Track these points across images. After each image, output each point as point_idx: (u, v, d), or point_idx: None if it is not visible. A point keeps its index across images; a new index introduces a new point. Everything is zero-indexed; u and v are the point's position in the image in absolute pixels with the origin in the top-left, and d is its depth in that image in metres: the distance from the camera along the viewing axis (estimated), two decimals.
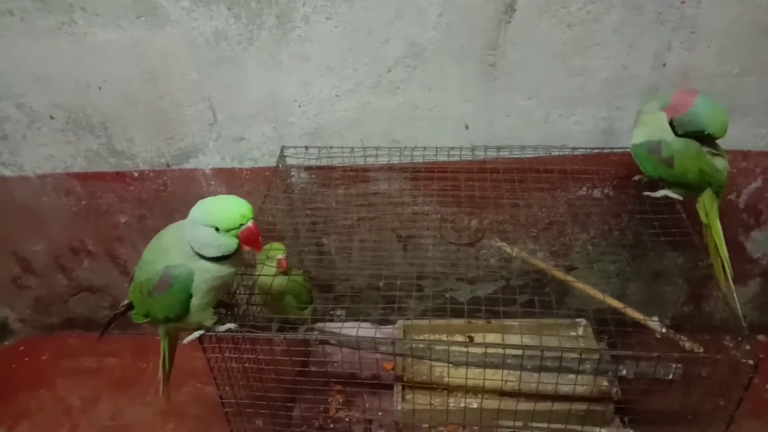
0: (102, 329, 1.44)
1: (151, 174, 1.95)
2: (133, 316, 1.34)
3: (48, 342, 2.37)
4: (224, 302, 1.38)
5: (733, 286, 1.46)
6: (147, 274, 1.23)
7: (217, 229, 1.12)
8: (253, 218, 1.14)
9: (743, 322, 1.31)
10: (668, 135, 1.45)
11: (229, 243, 1.14)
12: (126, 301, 1.36)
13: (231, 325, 1.29)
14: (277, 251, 1.57)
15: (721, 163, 1.47)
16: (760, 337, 2.14)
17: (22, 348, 2.37)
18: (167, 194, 1.98)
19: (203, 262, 1.17)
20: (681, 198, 1.56)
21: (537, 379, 1.50)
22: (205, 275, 1.18)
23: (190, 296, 1.20)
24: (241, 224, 1.12)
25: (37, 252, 2.18)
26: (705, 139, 1.44)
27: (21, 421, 2.03)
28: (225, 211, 1.12)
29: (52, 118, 1.85)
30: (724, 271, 1.49)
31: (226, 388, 1.45)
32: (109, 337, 2.27)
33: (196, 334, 1.29)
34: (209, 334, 1.29)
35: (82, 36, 1.68)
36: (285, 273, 1.56)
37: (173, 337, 1.41)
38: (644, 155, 1.49)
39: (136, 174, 1.95)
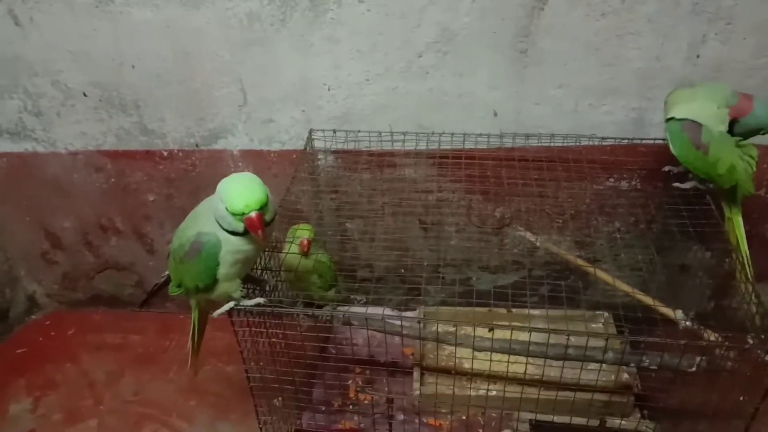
0: (137, 302, 1.46)
1: (180, 154, 1.98)
2: (170, 288, 1.36)
3: (73, 317, 2.42)
4: (253, 278, 1.40)
5: (751, 282, 1.46)
6: (180, 241, 1.27)
7: (227, 208, 1.15)
8: (259, 208, 1.14)
9: (756, 320, 1.31)
10: (715, 125, 1.46)
11: (236, 224, 1.17)
12: (167, 272, 1.38)
13: (260, 300, 1.31)
14: (304, 232, 1.58)
15: (750, 155, 1.51)
16: None
17: (48, 322, 2.42)
18: (195, 174, 2.01)
19: (227, 234, 1.20)
20: (707, 188, 1.58)
21: (559, 368, 1.50)
22: (229, 247, 1.21)
23: (218, 265, 1.22)
24: (244, 213, 1.14)
25: (66, 228, 2.22)
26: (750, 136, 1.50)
27: (47, 392, 2.07)
28: (232, 197, 1.14)
29: (85, 95, 1.88)
30: (744, 267, 1.49)
31: (252, 364, 1.47)
32: (133, 314, 2.35)
33: (227, 306, 1.31)
34: (239, 308, 1.31)
35: (119, 15, 1.71)
36: (306, 254, 1.58)
37: (204, 310, 1.44)
38: (677, 131, 1.49)
39: (165, 153, 1.98)
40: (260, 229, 1.14)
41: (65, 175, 2.07)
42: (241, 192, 1.14)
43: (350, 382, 1.90)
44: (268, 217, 1.18)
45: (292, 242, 1.56)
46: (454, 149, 1.81)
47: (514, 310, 1.98)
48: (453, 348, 1.75)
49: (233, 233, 1.19)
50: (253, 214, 1.13)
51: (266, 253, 1.47)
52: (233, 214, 1.14)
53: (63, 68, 1.83)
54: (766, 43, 1.59)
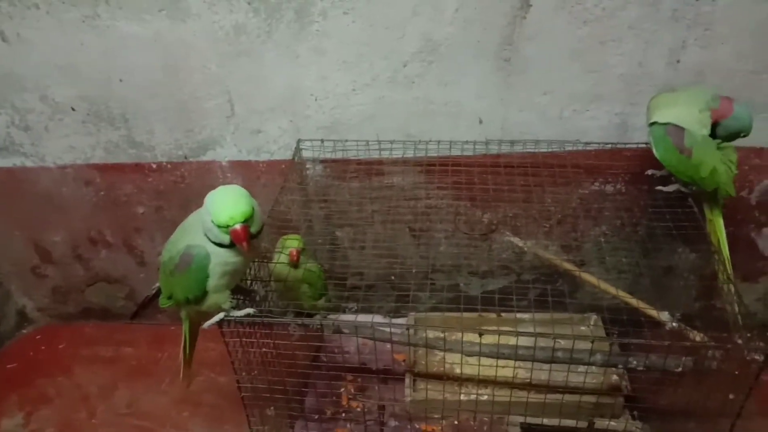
0: (128, 314, 1.47)
1: (169, 166, 1.99)
2: (160, 300, 1.37)
3: (65, 331, 2.41)
4: (242, 288, 1.41)
5: (732, 282, 1.49)
6: (170, 253, 1.28)
7: (213, 221, 1.17)
8: (244, 221, 1.15)
9: (738, 319, 1.33)
10: (698, 129, 1.48)
11: (222, 236, 1.18)
12: (157, 284, 1.39)
13: (250, 310, 1.32)
14: (293, 242, 1.60)
15: (731, 159, 1.53)
16: None
17: (39, 336, 2.41)
18: (184, 186, 2.02)
19: (215, 246, 1.21)
20: (690, 191, 1.60)
21: (548, 371, 1.51)
22: (218, 259, 1.23)
23: (208, 277, 1.23)
24: (229, 225, 1.15)
25: (56, 242, 2.22)
26: (732, 138, 1.51)
27: (39, 407, 2.06)
28: (218, 210, 1.15)
29: (73, 109, 1.89)
30: (725, 268, 1.51)
31: (243, 374, 1.47)
32: (125, 326, 2.35)
33: (217, 317, 1.32)
34: (229, 318, 1.32)
35: (105, 29, 1.72)
36: (295, 266, 1.59)
37: (195, 321, 1.44)
38: (661, 135, 1.51)
39: (154, 166, 1.99)
40: (244, 241, 1.15)
41: (54, 189, 2.07)
42: (226, 204, 1.15)
43: (342, 390, 1.91)
44: (253, 229, 1.19)
45: (281, 252, 1.57)
46: (441, 157, 1.83)
47: (503, 314, 2.00)
48: (444, 354, 1.77)
49: (221, 245, 1.20)
50: (238, 227, 1.14)
51: (256, 263, 1.48)
52: (219, 227, 1.16)
53: (51, 83, 1.83)
54: (744, 47, 1.62)
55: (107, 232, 2.17)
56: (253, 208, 1.17)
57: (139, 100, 1.85)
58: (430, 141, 1.82)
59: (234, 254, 1.22)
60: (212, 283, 1.24)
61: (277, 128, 1.87)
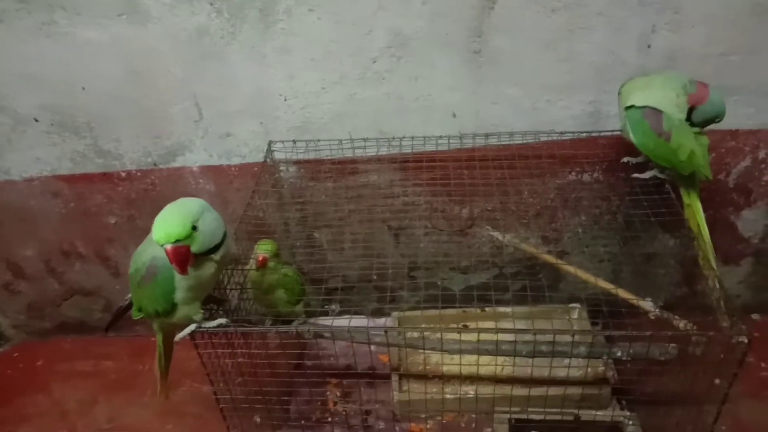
0: (105, 326, 1.44)
1: (139, 174, 1.94)
2: (132, 312, 1.33)
3: (42, 347, 2.35)
4: (214, 297, 1.37)
5: (715, 266, 1.48)
6: (136, 265, 1.25)
7: None
8: (174, 242, 1.09)
9: (721, 304, 1.32)
10: (675, 112, 1.46)
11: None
12: (130, 295, 1.35)
13: (222, 320, 1.29)
14: (265, 247, 1.55)
15: (702, 144, 1.52)
16: (755, 316, 2.15)
17: (16, 354, 2.35)
18: (156, 193, 1.97)
19: None
20: (666, 177, 1.59)
21: (531, 365, 1.50)
22: None
23: (174, 289, 1.20)
24: (162, 244, 1.10)
25: (28, 257, 2.16)
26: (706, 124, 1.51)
27: (19, 425, 2.01)
28: (154, 228, 1.11)
29: (36, 120, 1.83)
30: (707, 252, 1.51)
31: (221, 385, 1.44)
32: (103, 340, 2.30)
33: (188, 330, 1.29)
34: (201, 330, 1.29)
35: (64, 36, 1.66)
36: (259, 269, 1.53)
37: (168, 333, 1.41)
38: (638, 119, 1.49)
39: (123, 174, 1.94)
40: (174, 262, 1.10)
41: (23, 203, 2.02)
42: (159, 223, 1.11)
43: (328, 393, 1.89)
44: (195, 248, 1.13)
45: (253, 258, 1.53)
46: (415, 153, 1.81)
47: (487, 308, 1.98)
48: (429, 352, 1.75)
49: None
50: (169, 247, 1.09)
51: (228, 270, 1.44)
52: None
53: (10, 93, 1.78)
54: (715, 30, 1.61)
55: (79, 243, 2.12)
56: (193, 227, 1.11)
57: (104, 108, 1.80)
58: (404, 137, 1.79)
59: (195, 267, 1.17)
60: (180, 295, 1.20)
61: (247, 131, 1.83)
